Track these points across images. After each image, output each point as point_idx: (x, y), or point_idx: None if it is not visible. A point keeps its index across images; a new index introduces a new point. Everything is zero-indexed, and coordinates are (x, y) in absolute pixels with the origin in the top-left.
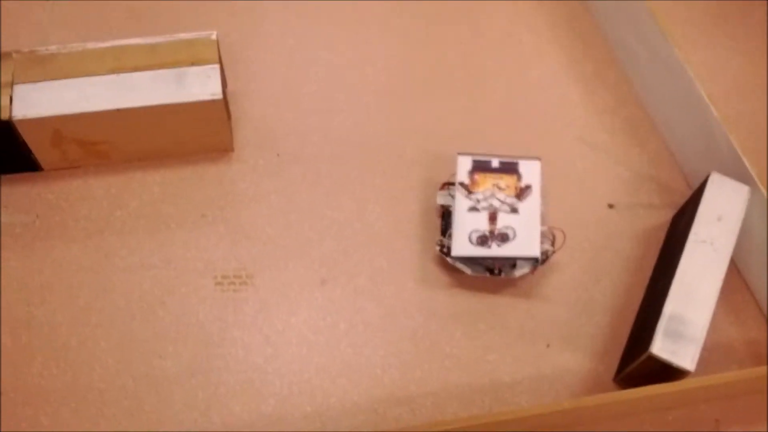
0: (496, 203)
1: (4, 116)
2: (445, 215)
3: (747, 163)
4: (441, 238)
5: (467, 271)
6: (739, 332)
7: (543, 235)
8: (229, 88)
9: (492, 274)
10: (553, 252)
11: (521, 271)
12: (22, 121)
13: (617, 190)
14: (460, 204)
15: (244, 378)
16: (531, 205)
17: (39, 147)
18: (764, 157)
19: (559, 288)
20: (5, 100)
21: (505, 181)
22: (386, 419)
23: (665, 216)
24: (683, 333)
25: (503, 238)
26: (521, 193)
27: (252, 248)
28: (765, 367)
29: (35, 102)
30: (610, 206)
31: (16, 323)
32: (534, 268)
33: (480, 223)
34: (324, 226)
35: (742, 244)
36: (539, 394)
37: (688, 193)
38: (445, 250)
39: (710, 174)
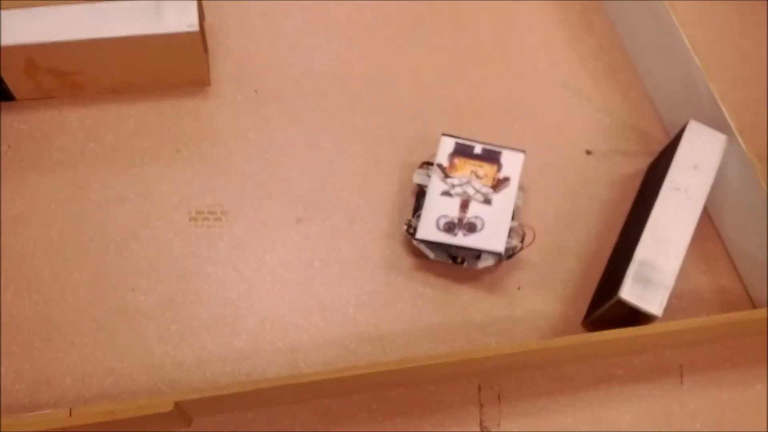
0: (470, 191)
1: None
2: (419, 195)
3: (726, 112)
4: (410, 218)
5: (430, 255)
6: (709, 280)
7: (513, 230)
8: (207, 20)
9: (455, 262)
10: (521, 249)
11: (485, 263)
12: None
13: (596, 136)
14: (434, 186)
15: (218, 313)
16: (505, 198)
17: (12, 76)
18: (744, 106)
19: (536, 232)
20: None
21: (485, 169)
22: (357, 356)
23: (643, 163)
24: (653, 279)
25: (470, 227)
26: (498, 184)
27: (228, 185)
28: (729, 314)
29: (8, 29)
30: (588, 152)
31: None
32: (498, 262)
33: (450, 209)
34: (301, 164)
35: (717, 193)
36: (509, 335)
37: (667, 141)
38: (412, 231)
39: (688, 122)
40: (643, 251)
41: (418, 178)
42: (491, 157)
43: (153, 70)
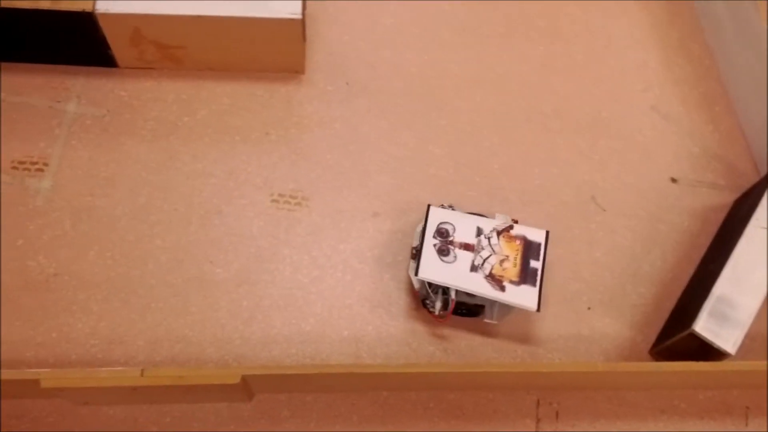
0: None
1: (87, 8)
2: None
3: None
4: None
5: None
6: None
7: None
8: (308, 9)
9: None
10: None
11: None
12: (104, 15)
13: (683, 164)
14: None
15: (288, 294)
16: None
17: (118, 43)
18: None
19: (610, 253)
20: None
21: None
22: (418, 354)
23: (728, 197)
24: (729, 316)
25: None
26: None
27: (310, 172)
28: None
29: None
30: (673, 180)
31: (78, 210)
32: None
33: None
34: (383, 160)
35: None
36: (573, 354)
37: (755, 178)
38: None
39: None
40: (722, 287)
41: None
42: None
43: (252, 53)
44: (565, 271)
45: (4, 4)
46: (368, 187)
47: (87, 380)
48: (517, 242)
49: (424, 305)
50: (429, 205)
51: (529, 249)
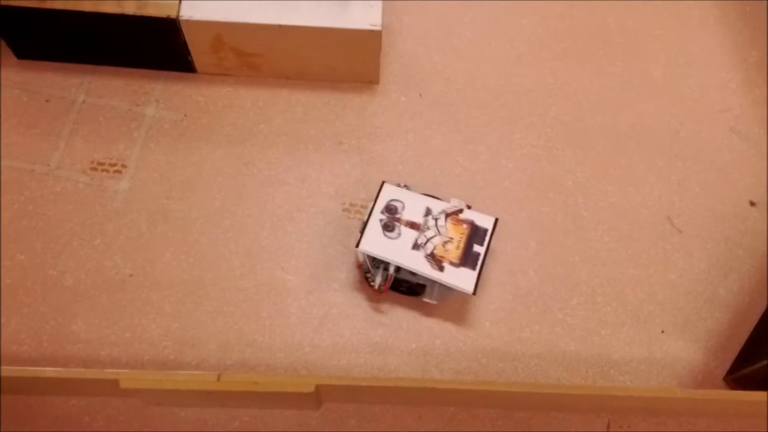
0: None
1: (172, 14)
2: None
3: None
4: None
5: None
6: None
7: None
8: (384, 21)
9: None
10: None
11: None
12: (188, 21)
13: (763, 188)
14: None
15: (357, 304)
16: None
17: (198, 50)
18: None
19: (685, 276)
20: None
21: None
22: (487, 370)
23: None
24: None
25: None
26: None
27: (381, 182)
28: None
29: (203, 5)
30: (752, 204)
31: (154, 213)
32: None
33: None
34: (455, 172)
35: None
36: (645, 378)
37: None
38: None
39: None
40: None
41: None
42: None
43: (328, 63)
44: (639, 293)
45: (90, 9)
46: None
47: (164, 382)
48: (464, 226)
49: (366, 279)
50: (383, 182)
51: (475, 234)
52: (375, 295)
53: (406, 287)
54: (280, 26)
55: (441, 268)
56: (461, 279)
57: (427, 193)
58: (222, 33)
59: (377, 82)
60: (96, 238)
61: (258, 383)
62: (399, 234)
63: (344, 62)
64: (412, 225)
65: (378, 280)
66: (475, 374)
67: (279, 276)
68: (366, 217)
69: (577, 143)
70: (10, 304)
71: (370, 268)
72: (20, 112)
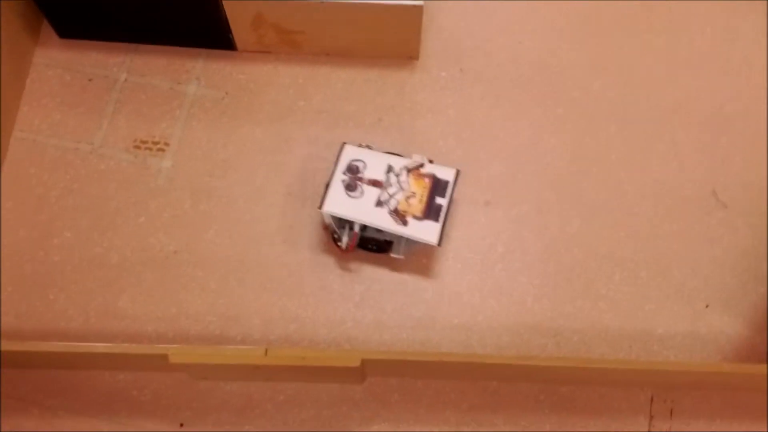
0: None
1: None
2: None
3: None
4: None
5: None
6: None
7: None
8: None
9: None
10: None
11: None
12: None
13: None
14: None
15: (399, 280)
16: None
17: (239, 27)
18: None
19: (730, 251)
20: None
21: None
22: (530, 346)
23: None
24: None
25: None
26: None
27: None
28: None
29: None
30: None
31: (197, 190)
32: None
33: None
34: (496, 148)
35: None
36: (689, 352)
37: None
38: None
39: None
40: None
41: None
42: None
43: (369, 39)
44: (683, 268)
45: None
46: (480, 175)
47: (213, 357)
48: (426, 180)
49: (334, 240)
50: (344, 143)
51: (437, 187)
52: (342, 255)
53: (375, 245)
54: (322, 3)
55: (405, 223)
56: (425, 231)
57: (390, 151)
58: (263, 10)
59: (417, 58)
60: (140, 216)
61: (305, 358)
62: (362, 193)
63: (385, 38)
64: (375, 183)
65: (345, 239)
66: (517, 349)
67: (320, 252)
68: (328, 179)
69: (621, 118)
70: (58, 280)
71: (336, 229)
72: (63, 91)
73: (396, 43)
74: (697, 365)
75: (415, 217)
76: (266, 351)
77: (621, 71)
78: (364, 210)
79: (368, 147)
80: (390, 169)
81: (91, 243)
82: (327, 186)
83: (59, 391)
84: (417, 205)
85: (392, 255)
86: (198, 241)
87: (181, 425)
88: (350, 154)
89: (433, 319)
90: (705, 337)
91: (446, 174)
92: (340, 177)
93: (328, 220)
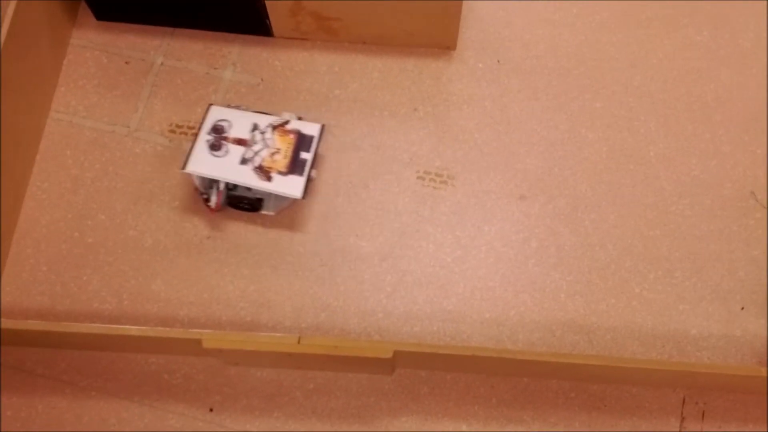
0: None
1: None
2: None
3: None
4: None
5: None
6: None
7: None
8: None
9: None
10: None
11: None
12: None
13: None
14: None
15: (431, 272)
16: None
17: (277, 13)
18: None
19: None
20: None
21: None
22: (562, 342)
23: None
24: None
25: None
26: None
27: (457, 150)
28: None
29: None
30: None
31: None
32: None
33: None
34: (533, 141)
35: None
36: (722, 354)
37: None
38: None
39: None
40: None
41: None
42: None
43: (406, 27)
44: (719, 269)
45: None
46: (516, 168)
47: (246, 343)
48: (291, 136)
49: (204, 201)
50: (210, 104)
51: (302, 142)
52: (211, 214)
53: (247, 203)
54: None
55: (269, 179)
56: (289, 186)
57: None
58: None
59: (454, 48)
60: (174, 200)
61: (338, 347)
62: (227, 152)
63: (422, 27)
64: (240, 141)
65: (213, 199)
66: (548, 346)
67: (353, 242)
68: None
69: (660, 114)
70: (92, 262)
71: (203, 189)
72: (100, 74)
73: (433, 33)
74: (731, 368)
75: (280, 173)
76: (299, 339)
77: (662, 66)
78: (228, 168)
79: (237, 107)
80: (255, 127)
81: (125, 226)
82: (191, 147)
83: (92, 372)
84: (282, 160)
85: (263, 212)
86: (231, 227)
87: (211, 410)
88: (216, 114)
89: (465, 312)
90: (740, 339)
91: (311, 129)
92: (204, 138)
93: (197, 182)
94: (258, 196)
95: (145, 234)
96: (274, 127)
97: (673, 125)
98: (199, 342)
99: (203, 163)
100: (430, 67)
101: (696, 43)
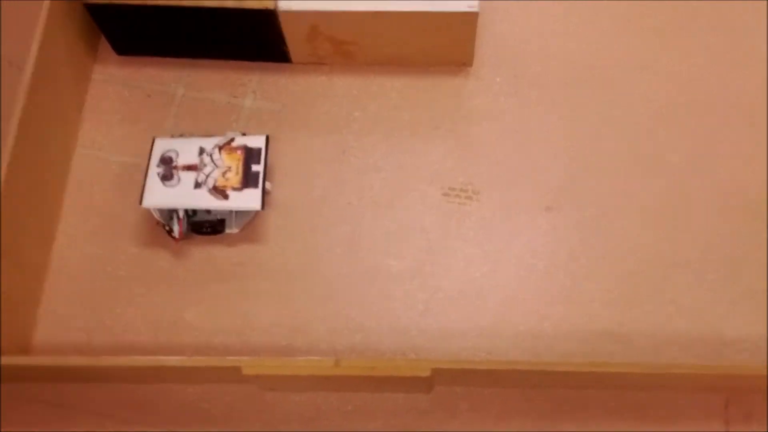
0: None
1: (270, 6)
2: None
3: None
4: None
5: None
6: None
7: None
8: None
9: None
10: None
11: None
12: (286, 12)
13: None
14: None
15: (462, 288)
16: None
17: (294, 39)
18: None
19: None
20: None
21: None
22: (599, 352)
23: None
24: None
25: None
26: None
27: (480, 165)
28: None
29: None
30: None
31: None
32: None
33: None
34: (555, 153)
35: None
36: (762, 356)
37: None
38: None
39: None
40: None
41: None
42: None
43: (423, 47)
44: (753, 271)
45: (190, 4)
46: (539, 180)
47: (284, 368)
48: (239, 152)
49: (168, 233)
50: (154, 138)
51: (250, 156)
52: (176, 245)
53: (208, 227)
54: (377, 12)
55: (226, 197)
56: (247, 199)
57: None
58: (318, 23)
59: (471, 65)
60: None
61: (375, 368)
62: (179, 180)
63: (438, 45)
64: (190, 167)
65: (176, 228)
66: (585, 356)
67: (382, 262)
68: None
69: (683, 119)
70: (125, 295)
71: (165, 222)
72: (124, 108)
73: (450, 51)
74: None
75: (235, 189)
76: (337, 362)
77: (680, 72)
78: (183, 195)
79: (181, 136)
80: (202, 150)
81: (156, 257)
82: (144, 183)
83: (131, 404)
84: (234, 177)
85: (228, 232)
86: (260, 253)
87: None
88: (161, 146)
89: (499, 326)
90: None
91: (257, 142)
92: (154, 171)
93: (157, 216)
94: (219, 218)
95: (176, 265)
96: (221, 147)
97: (696, 129)
98: (238, 369)
99: (158, 196)
100: (448, 85)
101: (714, 47)
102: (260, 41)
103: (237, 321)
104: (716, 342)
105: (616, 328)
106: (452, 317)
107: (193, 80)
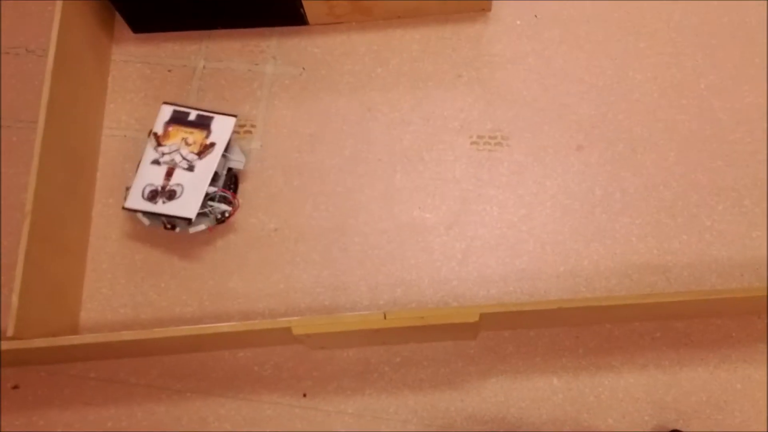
0: (177, 158)
1: None
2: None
3: None
4: (128, 187)
5: (145, 222)
6: None
7: (221, 196)
8: None
9: (166, 228)
10: (231, 214)
11: (195, 228)
12: None
13: None
14: (147, 156)
15: (499, 234)
16: (208, 165)
17: (310, 0)
18: None
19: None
20: None
21: (195, 136)
22: (640, 285)
23: None
24: None
25: (171, 195)
26: (203, 150)
27: (507, 110)
28: None
29: None
30: None
31: (288, 167)
32: (211, 227)
33: (157, 177)
34: (582, 90)
35: None
36: None
37: None
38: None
39: None
40: None
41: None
42: (203, 123)
43: None
44: None
45: None
46: (569, 120)
47: (334, 325)
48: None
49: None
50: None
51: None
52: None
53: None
54: None
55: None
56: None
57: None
58: None
59: (489, 9)
60: (237, 198)
61: (424, 317)
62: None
63: None
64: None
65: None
66: (627, 290)
67: (418, 215)
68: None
69: (706, 45)
70: (168, 269)
71: (166, 223)
72: (146, 85)
73: None
74: None
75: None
76: (385, 315)
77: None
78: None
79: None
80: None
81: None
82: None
83: (184, 374)
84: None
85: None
86: (296, 217)
87: (305, 395)
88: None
89: (539, 269)
90: None
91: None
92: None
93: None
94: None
95: (214, 236)
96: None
97: (720, 55)
98: (288, 330)
99: (140, 205)
100: (468, 32)
101: None
102: (275, 4)
103: (279, 285)
104: (755, 265)
105: (655, 260)
106: (491, 264)
107: (211, 51)
